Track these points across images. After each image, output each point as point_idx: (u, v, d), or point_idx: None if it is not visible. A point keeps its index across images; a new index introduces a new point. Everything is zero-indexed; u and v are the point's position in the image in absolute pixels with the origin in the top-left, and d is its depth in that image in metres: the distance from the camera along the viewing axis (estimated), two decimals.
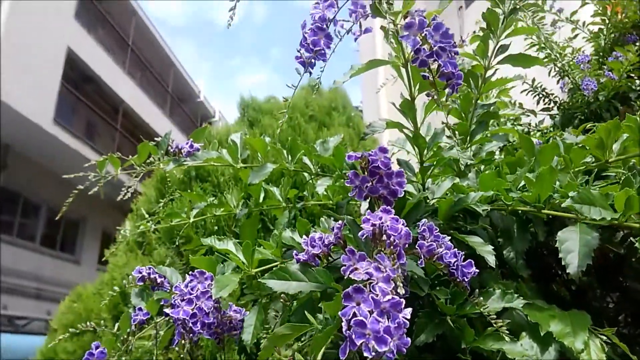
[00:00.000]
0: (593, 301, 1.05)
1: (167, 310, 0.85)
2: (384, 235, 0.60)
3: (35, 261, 12.45)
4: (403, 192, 0.74)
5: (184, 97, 20.72)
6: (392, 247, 0.59)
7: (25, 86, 10.22)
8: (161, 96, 18.23)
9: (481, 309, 0.67)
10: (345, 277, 0.59)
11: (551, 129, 2.05)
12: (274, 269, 0.72)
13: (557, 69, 2.13)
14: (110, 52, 14.39)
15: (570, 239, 0.72)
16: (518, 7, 0.86)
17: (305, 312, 0.64)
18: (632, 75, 1.91)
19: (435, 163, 0.94)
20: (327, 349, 0.60)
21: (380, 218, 0.62)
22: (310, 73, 0.77)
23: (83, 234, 14.86)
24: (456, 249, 0.69)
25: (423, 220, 0.71)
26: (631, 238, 0.85)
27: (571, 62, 2.09)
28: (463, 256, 0.69)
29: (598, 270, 0.98)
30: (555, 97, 2.18)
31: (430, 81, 0.72)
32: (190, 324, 0.81)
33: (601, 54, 2.17)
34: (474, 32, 1.54)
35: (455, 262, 0.67)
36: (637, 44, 1.96)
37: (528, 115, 2.09)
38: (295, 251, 0.78)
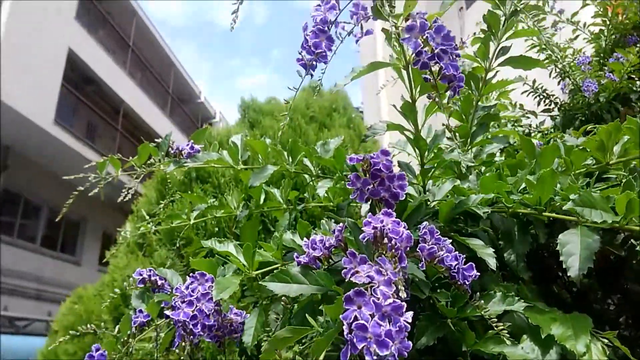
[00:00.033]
0: (594, 303, 1.05)
1: (167, 312, 0.85)
2: (386, 239, 0.60)
3: (35, 262, 12.45)
4: (404, 195, 0.74)
5: (185, 98, 20.73)
6: (393, 251, 0.59)
7: (26, 87, 10.23)
8: (162, 97, 18.24)
9: (482, 312, 0.67)
10: (346, 280, 0.59)
11: (552, 130, 2.05)
12: (274, 271, 0.71)
13: (557, 70, 2.13)
14: (110, 53, 14.40)
15: (571, 242, 0.72)
16: (519, 9, 0.86)
17: (306, 315, 0.63)
18: (633, 76, 1.91)
19: (436, 165, 0.94)
20: (328, 351, 0.60)
21: (382, 221, 0.61)
22: (312, 75, 0.77)
23: (83, 235, 14.87)
24: (457, 252, 0.69)
25: (424, 223, 0.71)
26: (632, 240, 0.85)
27: (572, 64, 2.09)
28: (464, 259, 0.69)
29: (599, 272, 0.97)
30: (556, 98, 2.18)
31: (432, 83, 0.71)
32: (191, 326, 0.81)
33: (602, 55, 2.17)
34: (474, 33, 1.54)
35: (456, 265, 0.67)
36: (638, 45, 1.96)
37: (528, 117, 2.09)
38: (296, 253, 0.77)
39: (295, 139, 1.22)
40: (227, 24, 0.76)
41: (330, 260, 0.75)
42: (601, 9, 2.15)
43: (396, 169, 0.78)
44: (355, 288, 0.54)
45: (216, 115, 22.74)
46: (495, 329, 0.65)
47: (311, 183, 1.17)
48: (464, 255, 0.69)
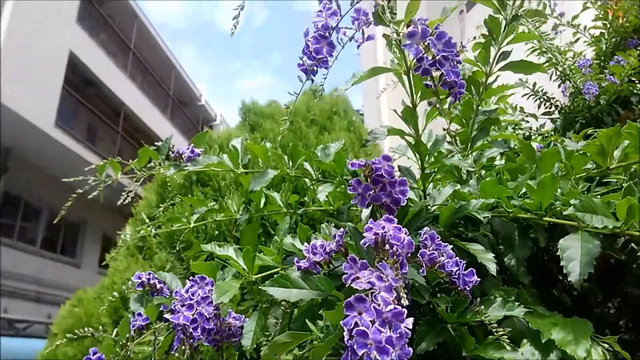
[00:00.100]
0: (594, 307, 1.05)
1: (167, 316, 0.85)
2: (387, 245, 0.60)
3: (35, 264, 12.45)
4: (405, 201, 0.74)
5: (185, 101, 20.75)
6: (394, 257, 0.59)
7: (27, 89, 10.24)
8: (162, 99, 18.25)
9: (482, 317, 0.67)
10: (346, 286, 0.59)
11: (552, 133, 2.05)
12: (274, 276, 0.71)
13: (558, 73, 2.13)
14: (111, 56, 14.42)
15: (572, 247, 0.72)
16: (520, 14, 0.86)
17: (306, 320, 0.63)
18: (634, 79, 1.91)
19: (436, 170, 0.94)
20: (327, 356, 0.60)
21: (383, 227, 0.61)
22: (312, 80, 0.77)
23: (83, 238, 14.87)
24: (457, 258, 0.69)
25: (425, 228, 0.71)
26: (632, 244, 0.85)
27: (572, 66, 2.09)
28: (464, 265, 0.69)
29: (599, 276, 0.97)
30: (557, 101, 2.18)
31: (433, 89, 0.72)
32: (191, 330, 0.81)
33: (602, 58, 2.17)
34: (475, 37, 1.54)
35: (456, 271, 0.67)
36: (639, 48, 1.96)
37: (528, 121, 2.09)
38: (296, 258, 0.77)
39: (295, 143, 1.22)
40: (227, 26, 0.77)
41: (330, 265, 0.75)
42: (602, 12, 2.15)
43: (396, 174, 0.78)
44: (356, 294, 0.54)
45: (217, 118, 22.77)
46: (496, 334, 0.65)
47: (311, 187, 1.17)
48: (465, 261, 0.69)
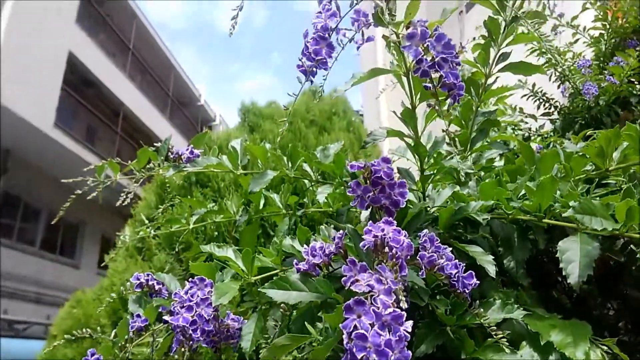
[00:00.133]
0: (593, 309, 1.05)
1: (166, 318, 0.85)
2: (386, 247, 0.60)
3: (35, 265, 12.44)
4: (405, 203, 0.74)
5: (185, 101, 20.74)
6: (394, 259, 0.59)
7: (26, 90, 10.23)
8: (162, 100, 18.24)
9: (481, 320, 0.67)
10: (346, 288, 0.58)
11: (551, 133, 2.05)
12: (274, 278, 0.71)
13: (557, 74, 2.13)
14: (111, 56, 14.41)
15: (571, 249, 0.72)
16: (519, 16, 0.86)
17: (305, 322, 0.63)
18: (633, 80, 1.91)
19: (435, 172, 0.94)
20: (327, 358, 0.59)
21: (383, 230, 0.61)
22: (312, 81, 0.77)
23: (82, 238, 14.85)
24: (457, 260, 0.69)
25: (424, 230, 0.71)
26: (632, 246, 0.84)
27: (572, 67, 2.09)
28: (463, 267, 0.69)
29: (598, 278, 0.97)
30: (556, 102, 2.18)
31: (432, 91, 0.71)
32: (190, 331, 0.81)
33: (602, 59, 2.17)
34: (474, 38, 1.54)
35: (456, 273, 0.67)
36: (638, 48, 1.96)
37: (527, 122, 2.09)
38: (295, 260, 0.77)
39: (295, 144, 1.22)
40: (226, 26, 0.77)
41: (330, 267, 0.75)
42: (601, 13, 2.15)
43: (396, 176, 0.78)
44: (355, 297, 0.54)
45: (216, 118, 22.76)
46: (495, 337, 0.65)
47: (311, 188, 1.17)
48: (464, 264, 0.69)
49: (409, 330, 0.52)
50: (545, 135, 2.01)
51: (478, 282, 0.70)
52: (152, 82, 17.72)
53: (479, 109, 1.01)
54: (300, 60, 0.75)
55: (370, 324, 0.52)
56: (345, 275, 0.60)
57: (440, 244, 0.69)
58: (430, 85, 0.72)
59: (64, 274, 13.50)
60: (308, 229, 0.93)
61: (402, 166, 0.98)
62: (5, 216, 11.95)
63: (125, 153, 14.24)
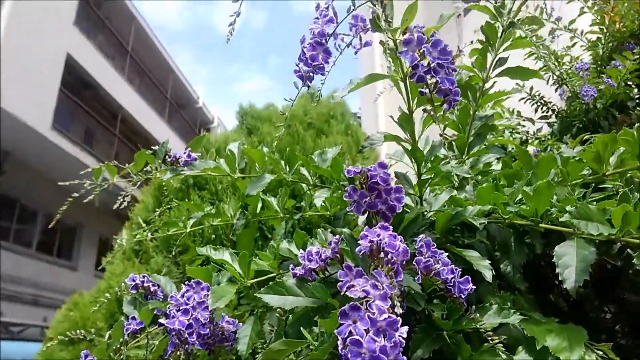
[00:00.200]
0: (590, 312, 1.05)
1: (162, 321, 0.85)
2: (382, 252, 0.60)
3: (32, 267, 12.42)
4: (401, 208, 0.74)
5: (183, 103, 20.74)
6: (389, 265, 0.59)
7: (25, 92, 10.22)
8: (160, 102, 18.24)
9: (477, 325, 0.67)
10: (342, 293, 0.58)
11: (549, 137, 2.05)
12: (270, 283, 0.71)
13: (555, 77, 2.13)
14: (109, 58, 14.41)
15: (567, 253, 0.72)
16: (516, 22, 0.87)
17: (301, 327, 0.63)
18: (630, 83, 1.91)
19: (433, 176, 0.94)
20: None
21: (378, 235, 0.61)
22: (308, 87, 0.77)
23: (80, 241, 14.84)
24: (453, 265, 0.69)
25: (421, 235, 0.71)
26: (628, 250, 0.85)
27: (569, 71, 2.09)
28: (460, 272, 0.69)
29: (595, 282, 0.97)
30: (553, 105, 2.18)
31: (428, 97, 0.72)
32: (186, 335, 0.81)
33: (599, 62, 2.17)
34: (472, 42, 1.54)
35: (452, 278, 0.67)
36: (635, 51, 1.96)
37: (524, 126, 2.09)
38: (291, 264, 0.77)
39: (292, 147, 1.22)
40: (225, 28, 0.76)
41: (326, 272, 0.75)
42: (598, 17, 2.15)
43: (393, 180, 0.78)
44: (351, 302, 0.54)
45: (214, 121, 22.77)
46: (491, 342, 0.65)
47: (308, 192, 1.17)
48: (460, 269, 0.69)
49: (404, 336, 0.52)
50: (543, 139, 2.01)
51: (474, 287, 0.70)
52: (150, 85, 17.72)
53: (476, 113, 1.02)
54: (297, 65, 0.76)
55: (365, 330, 0.52)
56: (341, 281, 0.60)
57: (436, 249, 0.69)
58: (425, 90, 0.72)
59: (62, 276, 13.49)
60: (305, 233, 0.93)
61: (399, 170, 0.98)
62: (3, 218, 11.94)
63: (124, 155, 14.24)
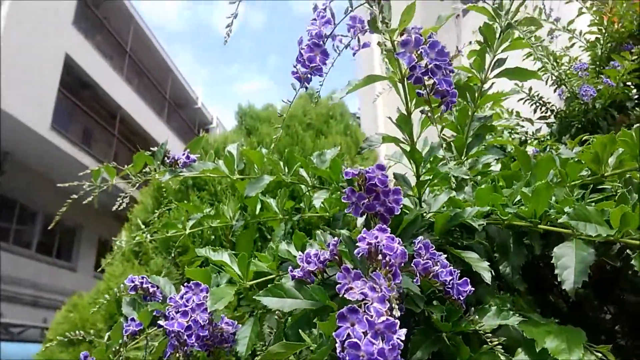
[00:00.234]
0: (590, 313, 1.05)
1: (161, 322, 0.84)
2: (380, 255, 0.60)
3: (32, 268, 12.41)
4: (400, 210, 0.74)
5: (182, 103, 20.74)
6: (387, 267, 0.59)
7: (23, 93, 10.21)
8: (159, 102, 18.23)
9: (477, 327, 0.67)
10: (340, 296, 0.58)
11: (548, 137, 2.05)
12: (269, 285, 0.71)
13: (553, 78, 2.13)
14: (108, 58, 14.40)
15: (566, 255, 0.72)
16: (514, 23, 0.86)
17: (300, 330, 0.63)
18: (629, 83, 1.91)
19: (431, 177, 0.94)
20: None
21: (376, 237, 0.61)
22: (306, 88, 0.77)
23: (79, 242, 14.84)
24: (452, 267, 0.68)
25: (419, 237, 0.71)
26: (627, 251, 0.85)
27: (568, 71, 2.09)
28: (459, 274, 0.69)
29: (595, 283, 0.97)
30: (552, 105, 2.18)
31: (425, 98, 0.72)
32: (185, 337, 0.81)
33: (598, 63, 2.17)
34: (470, 42, 1.54)
35: (450, 280, 0.67)
36: (633, 52, 1.96)
37: (523, 126, 2.09)
38: (290, 266, 0.77)
39: (291, 148, 1.22)
40: (224, 29, 0.76)
41: (324, 274, 0.75)
42: (597, 18, 2.15)
43: (392, 181, 0.78)
44: (349, 305, 0.54)
45: (213, 121, 22.77)
46: (490, 343, 0.65)
47: (307, 193, 1.17)
48: (459, 270, 0.69)
49: (402, 338, 0.52)
50: (542, 139, 2.01)
51: (473, 288, 0.69)
52: (149, 85, 17.71)
53: (475, 114, 1.02)
54: (294, 67, 0.76)
55: (363, 333, 0.52)
56: (340, 283, 0.60)
57: (435, 251, 0.69)
58: (423, 92, 0.72)
59: (61, 277, 13.48)
60: (304, 234, 0.93)
61: (398, 171, 0.98)
62: (2, 219, 11.93)
63: (123, 156, 14.24)
